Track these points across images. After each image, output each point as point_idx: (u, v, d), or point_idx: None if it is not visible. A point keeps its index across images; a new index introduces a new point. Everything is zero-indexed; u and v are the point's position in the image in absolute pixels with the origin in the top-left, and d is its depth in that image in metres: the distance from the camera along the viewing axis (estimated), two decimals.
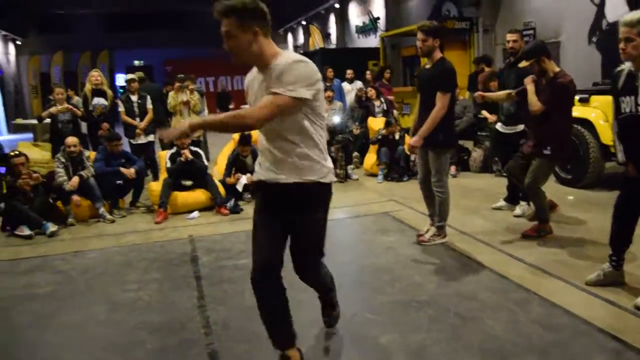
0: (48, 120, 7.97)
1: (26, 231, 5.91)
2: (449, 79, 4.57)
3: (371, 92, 9.65)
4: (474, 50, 13.04)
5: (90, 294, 4.21)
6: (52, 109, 7.61)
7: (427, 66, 4.72)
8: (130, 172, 6.76)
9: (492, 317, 3.39)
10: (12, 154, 6.48)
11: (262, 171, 2.71)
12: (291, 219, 2.67)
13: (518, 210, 5.66)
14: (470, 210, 6.02)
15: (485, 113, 7.96)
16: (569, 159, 6.35)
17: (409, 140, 8.32)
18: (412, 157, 8.00)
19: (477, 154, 8.16)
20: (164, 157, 7.06)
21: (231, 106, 13.38)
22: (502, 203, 5.98)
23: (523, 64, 4.79)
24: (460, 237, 5.06)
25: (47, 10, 24.66)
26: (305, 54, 20.57)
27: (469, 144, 8.59)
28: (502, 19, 12.05)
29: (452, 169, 7.98)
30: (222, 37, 2.51)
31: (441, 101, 4.51)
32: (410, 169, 7.99)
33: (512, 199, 5.87)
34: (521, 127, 5.64)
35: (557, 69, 4.69)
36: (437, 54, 4.60)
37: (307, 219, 2.69)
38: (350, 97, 10.35)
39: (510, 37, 5.57)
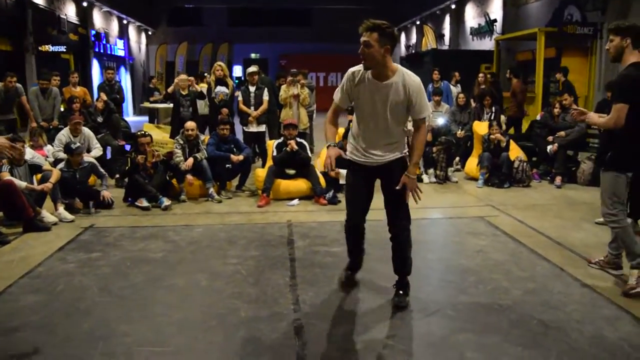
0: (170, 105, 8.76)
1: (145, 203, 6.56)
2: (623, 87, 3.87)
3: (461, 98, 9.52)
4: (595, 58, 12.37)
5: (195, 263, 4.65)
6: (176, 80, 8.45)
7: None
8: (238, 158, 7.25)
9: (577, 330, 3.36)
10: (139, 133, 7.20)
11: None
12: None
13: None
14: (571, 222, 5.84)
15: None
16: None
17: (515, 147, 8.25)
18: (516, 164, 7.85)
19: (586, 166, 7.80)
20: (271, 146, 7.48)
21: None
22: None
23: None
24: (556, 248, 4.96)
25: (176, 4, 26.64)
26: (417, 54, 20.53)
27: (579, 156, 8.26)
28: None
29: (557, 179, 7.73)
30: (362, 45, 3.34)
31: (614, 112, 3.84)
32: (512, 176, 7.82)
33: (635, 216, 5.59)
34: None
35: None
36: (629, 58, 3.88)
37: None
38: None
39: None
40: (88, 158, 6.83)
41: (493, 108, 9.34)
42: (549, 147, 8.05)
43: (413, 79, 3.44)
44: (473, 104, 9.88)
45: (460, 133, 9.24)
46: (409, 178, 3.53)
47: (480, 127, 8.78)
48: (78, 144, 6.81)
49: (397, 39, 3.40)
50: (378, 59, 3.34)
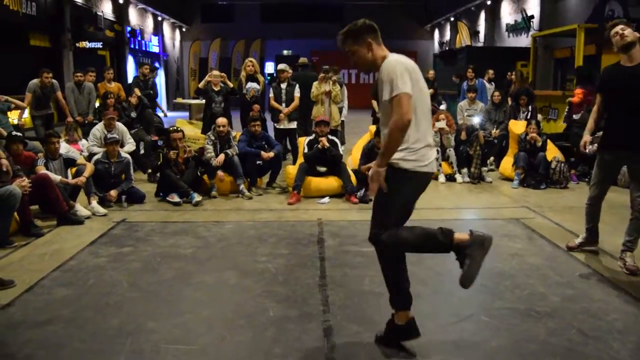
0: (203, 101, 8.82)
1: (176, 198, 6.59)
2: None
3: (496, 97, 9.29)
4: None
5: (224, 260, 4.63)
6: (207, 77, 8.52)
7: (628, 64, 4.21)
8: (268, 155, 7.21)
9: (620, 340, 3.20)
10: (171, 129, 7.24)
11: None
12: None
13: None
14: (612, 226, 5.58)
15: None
16: None
17: (552, 147, 8.01)
18: (553, 165, 7.61)
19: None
20: (302, 142, 7.42)
21: None
22: None
23: None
24: (596, 253, 4.77)
25: (210, 0, 26.87)
26: (451, 51, 20.20)
27: None
28: None
29: None
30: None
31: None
32: (549, 176, 7.59)
33: None
34: None
35: None
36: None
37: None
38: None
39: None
40: (125, 155, 6.89)
41: (529, 107, 9.10)
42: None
43: (386, 61, 2.95)
44: (509, 103, 9.64)
45: (495, 132, 9.04)
46: (374, 169, 2.95)
47: (517, 126, 8.56)
48: (115, 135, 6.92)
49: (373, 27, 3.05)
50: (367, 59, 3.05)
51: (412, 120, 2.86)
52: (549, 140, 8.14)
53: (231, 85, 8.69)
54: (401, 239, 3.02)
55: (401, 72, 2.85)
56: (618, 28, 4.19)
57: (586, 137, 4.66)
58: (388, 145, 2.87)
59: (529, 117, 8.86)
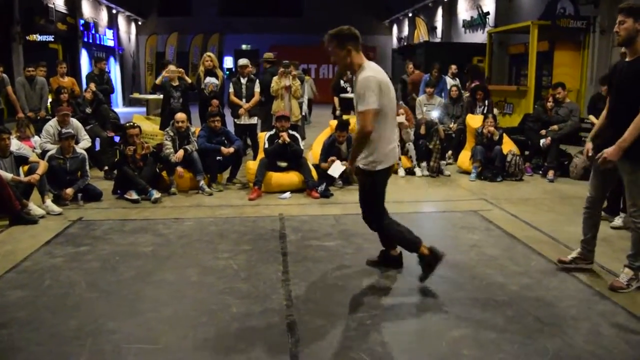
0: (161, 96, 8.66)
1: (134, 196, 6.45)
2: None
3: (453, 91, 9.51)
4: (588, 52, 12.36)
5: (185, 258, 4.57)
6: (164, 72, 8.36)
7: (627, 59, 3.75)
8: (228, 150, 7.15)
9: (573, 326, 3.32)
10: (128, 124, 7.08)
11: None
12: None
13: (617, 221, 5.39)
14: (565, 217, 5.80)
15: (592, 118, 7.59)
16: None
17: (508, 140, 8.21)
18: (509, 158, 7.81)
19: (579, 160, 7.78)
20: (263, 138, 7.38)
21: None
22: None
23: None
24: (551, 243, 4.92)
25: None
26: (409, 46, 20.44)
27: (571, 149, 8.24)
28: None
29: (550, 173, 7.70)
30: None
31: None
32: (505, 169, 7.79)
33: (612, 210, 5.59)
34: None
35: None
36: None
37: None
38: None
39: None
40: (80, 151, 6.70)
41: (486, 102, 9.30)
42: (542, 141, 8.02)
43: (363, 74, 3.60)
44: (465, 97, 9.82)
45: (453, 126, 9.21)
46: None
47: (474, 120, 8.73)
48: (70, 130, 6.72)
49: (356, 35, 3.70)
50: (345, 62, 3.69)
51: (382, 126, 3.64)
52: (504, 134, 8.35)
53: (189, 80, 8.57)
54: None
55: (373, 87, 3.52)
56: (618, 19, 3.70)
57: (588, 144, 4.12)
58: (354, 150, 3.76)
59: (485, 111, 9.05)
